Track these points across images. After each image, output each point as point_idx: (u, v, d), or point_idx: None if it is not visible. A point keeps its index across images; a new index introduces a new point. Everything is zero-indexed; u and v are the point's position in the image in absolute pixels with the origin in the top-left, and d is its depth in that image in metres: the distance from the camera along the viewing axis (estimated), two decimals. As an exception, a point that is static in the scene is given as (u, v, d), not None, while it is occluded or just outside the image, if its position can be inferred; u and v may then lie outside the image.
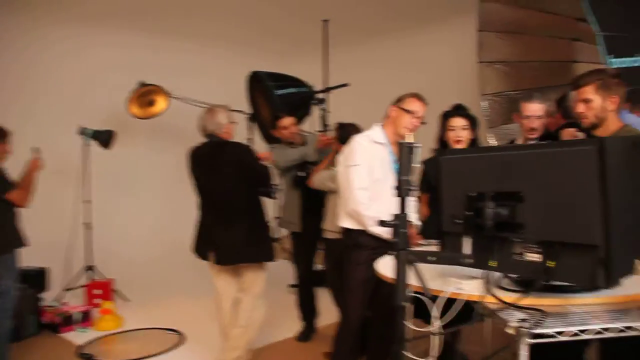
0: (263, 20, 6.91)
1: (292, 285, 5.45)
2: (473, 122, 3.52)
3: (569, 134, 3.05)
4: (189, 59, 7.11)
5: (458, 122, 3.46)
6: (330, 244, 4.02)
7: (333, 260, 3.96)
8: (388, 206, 3.15)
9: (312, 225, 4.32)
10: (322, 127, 5.35)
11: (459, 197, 1.81)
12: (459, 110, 3.54)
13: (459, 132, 3.44)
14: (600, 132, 2.60)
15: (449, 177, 1.92)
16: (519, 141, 3.45)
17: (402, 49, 6.89)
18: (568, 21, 5.48)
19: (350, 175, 3.09)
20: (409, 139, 1.85)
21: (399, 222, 1.74)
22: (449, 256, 1.61)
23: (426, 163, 3.65)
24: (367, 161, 3.09)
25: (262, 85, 5.48)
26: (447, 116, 3.53)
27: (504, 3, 5.64)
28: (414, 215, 3.26)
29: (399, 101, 3.19)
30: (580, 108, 2.60)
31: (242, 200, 3.72)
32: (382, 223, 1.78)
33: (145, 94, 6.07)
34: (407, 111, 3.13)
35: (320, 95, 5.89)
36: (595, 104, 2.56)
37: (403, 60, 6.82)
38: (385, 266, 2.46)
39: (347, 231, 3.19)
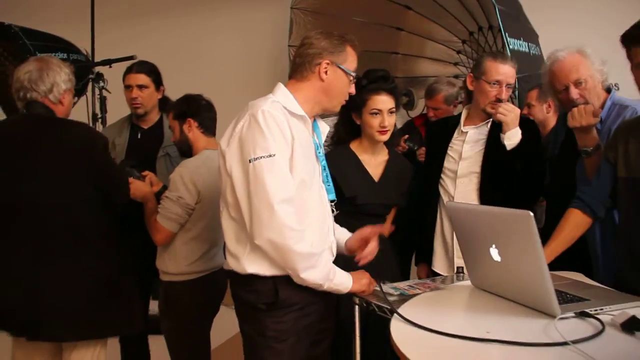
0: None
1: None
2: (398, 100, 2.36)
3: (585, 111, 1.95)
4: None
5: (385, 101, 2.24)
6: (170, 291, 2.44)
7: (179, 323, 2.43)
8: (320, 231, 1.77)
9: (140, 247, 2.57)
10: (101, 112, 3.69)
11: None
12: (384, 81, 2.31)
13: (386, 118, 2.24)
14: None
15: None
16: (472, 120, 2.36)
17: (202, 21, 5.39)
18: (394, 7, 4.71)
19: (261, 175, 1.64)
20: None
21: None
22: None
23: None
24: (286, 150, 1.69)
25: (14, 45, 3.52)
26: (365, 90, 2.28)
27: (325, -23, 4.62)
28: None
29: (333, 52, 1.78)
30: None
31: (82, 225, 2.04)
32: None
33: None
34: (349, 74, 1.81)
35: (99, 69, 4.13)
36: None
37: (202, 33, 5.34)
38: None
39: (250, 280, 1.72)
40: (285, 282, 1.70)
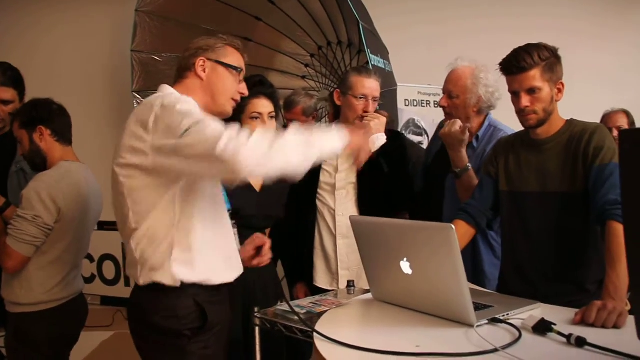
0: None
1: None
2: (277, 106, 2.27)
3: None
4: None
5: (265, 105, 2.11)
6: (22, 325, 2.10)
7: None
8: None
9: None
10: None
11: None
12: (262, 86, 2.19)
13: (267, 122, 2.12)
14: (544, 131, 1.85)
15: None
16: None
17: (30, 16, 4.80)
18: (244, 18, 4.64)
19: (198, 135, 1.37)
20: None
21: None
22: None
23: None
24: None
25: None
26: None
27: (173, -20, 4.41)
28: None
29: (207, 50, 1.65)
30: (525, 101, 1.78)
31: None
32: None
33: None
34: (231, 68, 1.66)
35: None
36: (545, 93, 1.78)
37: (31, 31, 4.75)
38: None
39: (171, 305, 1.50)
40: (208, 303, 1.53)
